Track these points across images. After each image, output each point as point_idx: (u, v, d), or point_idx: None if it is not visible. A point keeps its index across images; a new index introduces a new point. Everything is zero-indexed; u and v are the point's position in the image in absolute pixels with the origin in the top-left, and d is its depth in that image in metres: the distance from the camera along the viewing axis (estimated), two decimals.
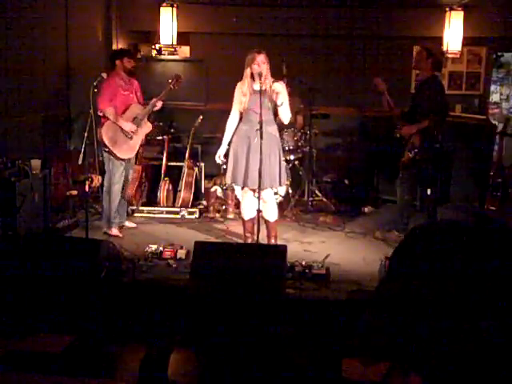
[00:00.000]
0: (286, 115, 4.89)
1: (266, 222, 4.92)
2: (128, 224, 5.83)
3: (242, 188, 5.05)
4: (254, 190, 4.90)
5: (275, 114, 4.92)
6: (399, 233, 5.40)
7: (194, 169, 6.42)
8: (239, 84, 4.90)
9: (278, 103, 4.80)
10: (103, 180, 5.52)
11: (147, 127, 5.62)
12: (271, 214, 5.00)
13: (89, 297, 4.00)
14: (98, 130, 5.19)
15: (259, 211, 4.76)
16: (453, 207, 6.52)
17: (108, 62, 7.54)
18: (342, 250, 5.26)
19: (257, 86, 4.76)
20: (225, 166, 5.29)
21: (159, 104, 5.55)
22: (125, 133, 5.40)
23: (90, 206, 5.84)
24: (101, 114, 5.27)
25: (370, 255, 5.01)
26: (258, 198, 4.69)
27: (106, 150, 5.37)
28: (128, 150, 5.48)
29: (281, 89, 4.85)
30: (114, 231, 5.53)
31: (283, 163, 5.09)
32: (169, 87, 5.53)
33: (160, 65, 7.94)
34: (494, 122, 7.32)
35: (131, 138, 5.44)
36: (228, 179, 5.07)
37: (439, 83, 5.38)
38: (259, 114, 4.59)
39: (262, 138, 4.58)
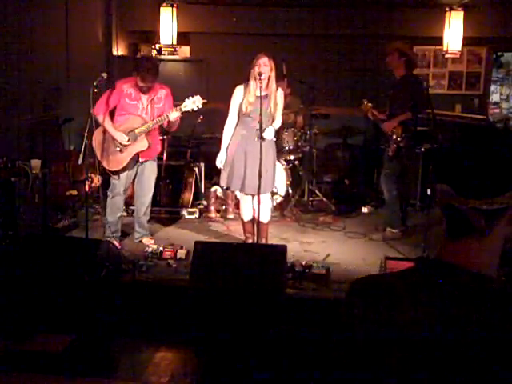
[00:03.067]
0: (277, 124, 4.93)
1: (259, 223, 4.87)
2: (145, 241, 5.30)
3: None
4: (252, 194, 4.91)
5: (273, 118, 4.93)
6: (394, 229, 5.45)
7: (194, 169, 6.41)
8: (240, 88, 4.88)
9: (276, 113, 4.87)
10: (103, 181, 5.38)
11: (142, 144, 4.99)
12: (265, 214, 4.98)
13: (89, 297, 4.00)
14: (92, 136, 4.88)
15: (258, 211, 4.76)
16: None
17: (108, 62, 7.64)
18: (342, 250, 5.26)
19: (258, 92, 4.72)
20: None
21: (173, 116, 4.83)
22: (116, 143, 4.96)
23: (90, 206, 5.83)
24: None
25: (370, 255, 5.01)
26: (258, 198, 4.68)
27: (93, 155, 4.97)
28: (114, 161, 5.00)
29: (280, 98, 4.89)
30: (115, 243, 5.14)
31: (277, 166, 5.08)
32: (179, 109, 4.84)
33: (160, 65, 7.91)
34: (493, 122, 7.32)
35: (121, 150, 4.98)
36: (223, 182, 5.01)
37: (417, 81, 5.44)
38: (259, 115, 4.59)
39: (261, 138, 4.59)
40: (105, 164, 5.04)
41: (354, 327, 1.17)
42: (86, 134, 4.71)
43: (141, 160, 5.13)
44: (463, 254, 1.12)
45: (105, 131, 4.97)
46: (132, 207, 6.16)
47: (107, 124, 4.93)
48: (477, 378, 1.03)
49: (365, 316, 1.16)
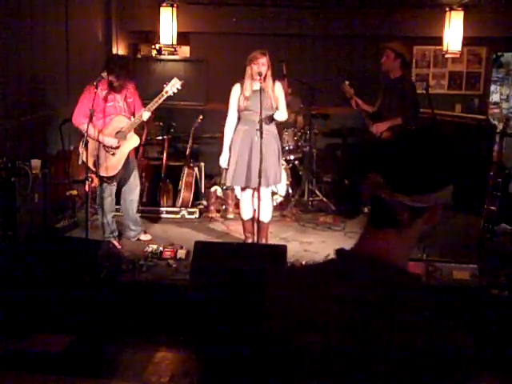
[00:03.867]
0: (281, 116, 4.95)
1: (260, 222, 4.87)
2: (143, 237, 5.41)
3: (243, 189, 5.05)
4: (254, 190, 4.90)
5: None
6: None
7: (193, 169, 6.41)
8: (237, 86, 4.91)
9: (278, 106, 4.88)
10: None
11: (133, 141, 5.06)
12: (266, 214, 4.98)
13: (89, 297, 4.00)
14: (81, 143, 4.81)
15: (259, 211, 4.76)
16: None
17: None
18: None
19: (256, 86, 4.76)
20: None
21: (146, 116, 4.95)
22: (106, 149, 4.96)
23: (90, 206, 5.82)
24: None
25: None
26: (258, 197, 4.68)
27: (86, 165, 4.89)
28: (110, 167, 5.00)
29: (279, 91, 4.90)
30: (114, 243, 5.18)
31: (281, 160, 5.10)
32: (161, 95, 4.95)
33: (160, 65, 7.95)
34: (493, 122, 7.32)
35: (113, 154, 4.99)
36: (228, 181, 5.02)
37: (410, 82, 5.45)
38: (259, 114, 4.60)
39: (261, 137, 4.60)
40: (102, 172, 4.98)
41: (271, 318, 1.22)
42: (85, 134, 4.71)
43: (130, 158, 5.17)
44: (381, 245, 1.18)
45: (94, 139, 4.91)
46: (139, 207, 6.17)
47: (93, 132, 4.86)
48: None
49: (281, 306, 1.20)
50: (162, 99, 4.97)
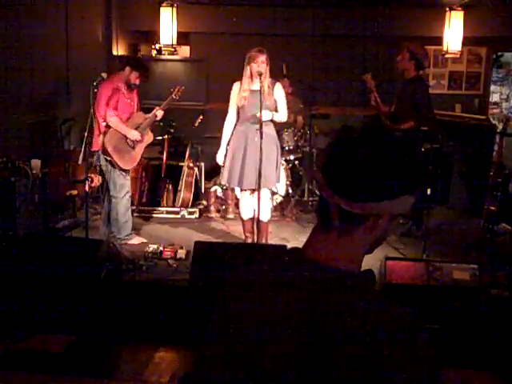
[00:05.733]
0: (279, 117, 4.91)
1: (259, 221, 4.85)
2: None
3: (241, 189, 5.05)
4: (252, 190, 4.89)
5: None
6: None
7: (193, 169, 6.41)
8: (237, 84, 4.90)
9: (278, 107, 4.85)
10: (103, 183, 5.37)
11: (149, 137, 5.34)
12: (265, 213, 4.96)
13: (89, 297, 4.00)
14: (101, 138, 4.94)
15: (258, 210, 4.75)
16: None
17: (108, 62, 7.63)
18: None
19: (255, 86, 4.74)
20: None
21: (160, 114, 5.30)
22: (128, 142, 5.14)
23: (90, 206, 5.83)
24: (104, 123, 4.97)
25: (370, 255, 4.98)
26: (258, 197, 4.68)
27: (108, 159, 5.03)
28: (130, 160, 5.18)
29: (279, 92, 4.87)
30: (138, 239, 5.30)
31: (280, 162, 5.07)
32: (170, 97, 5.36)
33: (160, 65, 7.95)
34: (493, 122, 7.32)
35: (133, 147, 5.18)
36: (223, 180, 5.02)
37: (423, 83, 5.38)
38: (259, 111, 4.59)
39: (261, 137, 4.58)
40: (121, 164, 5.09)
41: (219, 323, 1.16)
42: (85, 134, 4.72)
43: None
44: (323, 249, 1.12)
45: (116, 133, 5.04)
46: (132, 207, 6.18)
47: (121, 124, 5.05)
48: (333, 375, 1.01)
49: (230, 312, 1.15)
50: (169, 102, 5.39)
